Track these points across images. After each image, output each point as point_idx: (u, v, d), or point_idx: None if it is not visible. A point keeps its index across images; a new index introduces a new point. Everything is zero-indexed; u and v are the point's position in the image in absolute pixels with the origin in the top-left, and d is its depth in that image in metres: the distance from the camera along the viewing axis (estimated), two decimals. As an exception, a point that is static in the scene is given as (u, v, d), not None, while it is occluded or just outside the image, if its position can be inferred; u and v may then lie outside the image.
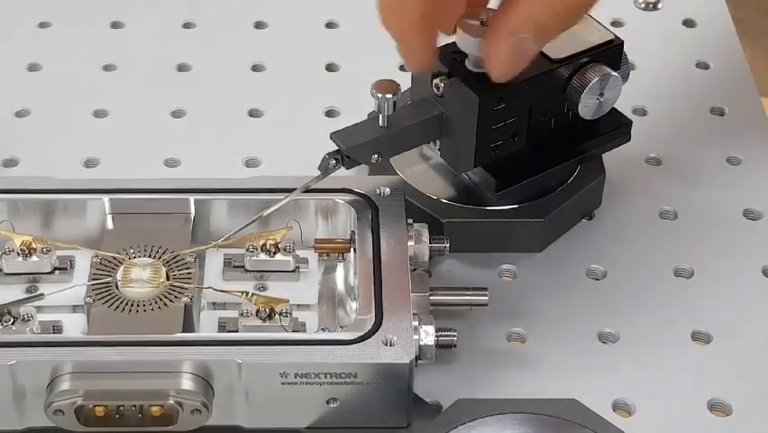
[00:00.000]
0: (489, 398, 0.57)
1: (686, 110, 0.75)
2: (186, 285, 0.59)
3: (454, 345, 0.57)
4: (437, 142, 0.64)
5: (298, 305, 0.59)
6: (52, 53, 0.78)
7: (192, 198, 0.62)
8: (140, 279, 0.59)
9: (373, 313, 0.56)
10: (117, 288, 0.58)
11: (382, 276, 0.58)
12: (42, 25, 0.80)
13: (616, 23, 0.79)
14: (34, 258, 0.60)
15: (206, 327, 0.59)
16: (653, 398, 0.59)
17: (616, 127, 0.66)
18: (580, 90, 0.62)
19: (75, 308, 0.59)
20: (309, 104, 0.74)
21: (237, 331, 0.57)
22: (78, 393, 0.54)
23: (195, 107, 0.74)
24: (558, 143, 0.65)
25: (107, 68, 0.77)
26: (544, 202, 0.65)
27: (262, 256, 0.60)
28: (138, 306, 0.58)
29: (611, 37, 0.64)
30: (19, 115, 0.74)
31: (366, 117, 0.63)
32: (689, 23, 0.81)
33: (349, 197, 0.62)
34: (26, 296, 0.59)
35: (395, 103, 0.60)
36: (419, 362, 0.56)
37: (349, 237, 0.62)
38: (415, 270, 0.60)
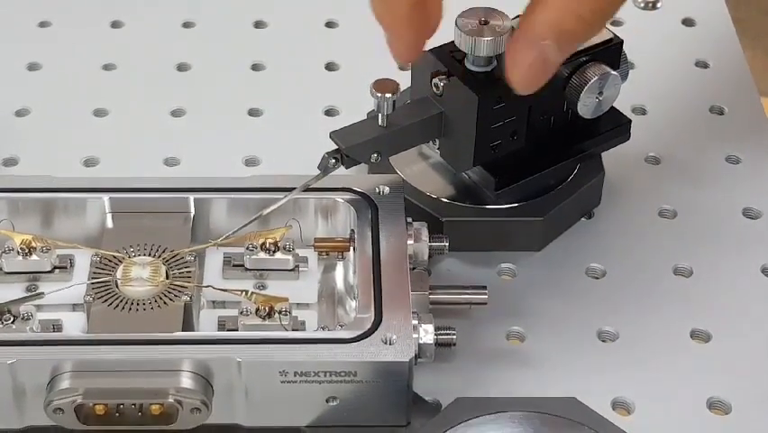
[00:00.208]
0: (489, 396, 0.57)
1: (685, 109, 0.75)
2: (185, 284, 0.59)
3: (454, 344, 0.57)
4: (437, 141, 0.64)
5: (298, 304, 0.60)
6: (52, 53, 0.78)
7: (192, 196, 0.62)
8: (139, 277, 0.59)
9: (373, 312, 0.56)
10: (117, 286, 0.58)
11: (382, 275, 0.58)
12: (42, 25, 0.80)
13: (615, 22, 0.79)
14: (34, 257, 0.60)
15: (206, 325, 0.59)
16: (653, 396, 0.59)
17: (615, 126, 0.66)
18: (579, 89, 0.63)
19: (75, 307, 0.59)
20: (309, 103, 0.75)
21: (237, 330, 0.57)
22: (78, 392, 0.54)
23: (194, 106, 0.74)
24: (557, 142, 0.65)
25: (107, 67, 0.77)
26: (544, 201, 0.65)
27: (262, 255, 0.60)
28: (138, 304, 0.58)
29: (610, 36, 0.64)
30: (19, 114, 0.74)
31: (365, 116, 0.63)
32: (688, 22, 0.81)
33: (348, 196, 0.62)
34: (26, 295, 0.59)
35: (394, 102, 0.60)
36: (419, 360, 0.56)
37: (348, 236, 0.62)
38: (414, 268, 0.60)
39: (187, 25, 0.80)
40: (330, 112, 0.74)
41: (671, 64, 0.78)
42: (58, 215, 0.62)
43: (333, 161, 0.60)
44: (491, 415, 0.55)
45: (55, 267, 0.60)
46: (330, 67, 0.77)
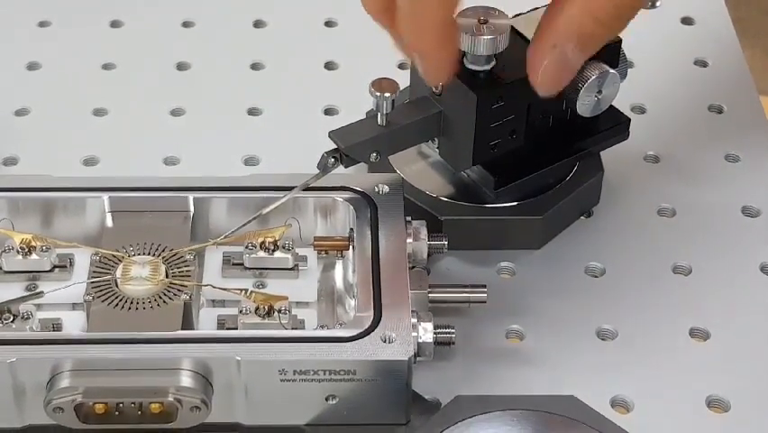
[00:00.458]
0: (488, 394, 0.57)
1: (684, 108, 0.75)
2: (185, 283, 0.59)
3: (453, 343, 0.57)
4: (436, 140, 0.64)
5: (297, 302, 0.60)
6: (52, 52, 0.78)
7: (191, 195, 0.62)
8: (139, 276, 0.59)
9: (372, 310, 0.56)
10: (117, 285, 0.59)
11: (381, 273, 0.58)
12: (42, 24, 0.80)
13: (614, 21, 0.79)
14: (34, 256, 0.60)
15: (206, 324, 0.59)
16: (652, 395, 0.59)
17: (614, 125, 0.66)
18: (578, 88, 0.62)
19: (74, 306, 0.59)
20: (308, 102, 0.75)
21: (236, 328, 0.57)
22: (78, 391, 0.54)
23: (194, 106, 0.75)
24: (556, 141, 0.65)
25: (107, 66, 0.77)
26: (543, 200, 0.65)
27: (261, 254, 0.60)
28: (137, 303, 0.58)
29: (609, 35, 0.64)
30: (19, 113, 0.74)
31: (365, 116, 0.63)
32: (687, 21, 0.81)
33: (348, 194, 0.62)
34: (26, 294, 0.59)
35: (393, 101, 0.60)
36: (418, 359, 0.56)
37: (348, 235, 0.62)
38: (413, 267, 0.60)
39: (186, 25, 0.81)
40: (329, 111, 0.74)
41: (670, 63, 0.78)
42: (57, 214, 0.62)
43: (333, 160, 0.60)
44: (491, 413, 0.55)
45: (55, 266, 0.60)
46: (329, 66, 0.77)
